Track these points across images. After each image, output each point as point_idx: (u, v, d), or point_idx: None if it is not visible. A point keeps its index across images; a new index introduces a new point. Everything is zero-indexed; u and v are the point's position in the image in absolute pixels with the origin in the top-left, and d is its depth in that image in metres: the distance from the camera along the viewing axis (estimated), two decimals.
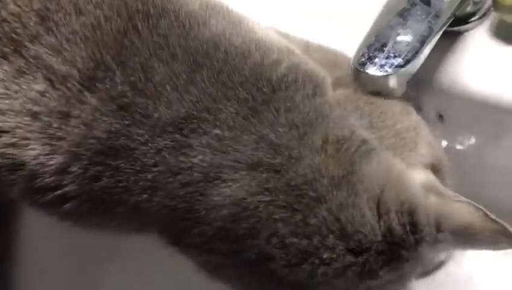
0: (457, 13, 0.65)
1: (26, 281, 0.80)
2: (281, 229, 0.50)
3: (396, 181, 0.53)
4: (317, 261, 0.50)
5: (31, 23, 0.55)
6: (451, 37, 0.71)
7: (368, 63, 0.58)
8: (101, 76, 0.53)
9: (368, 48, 0.59)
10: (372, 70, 0.58)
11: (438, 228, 0.52)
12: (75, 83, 0.53)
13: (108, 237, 0.64)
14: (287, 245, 0.50)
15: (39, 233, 0.81)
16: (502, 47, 0.71)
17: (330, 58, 0.63)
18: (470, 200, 0.53)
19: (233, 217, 0.51)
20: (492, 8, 0.70)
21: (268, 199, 0.50)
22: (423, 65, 0.64)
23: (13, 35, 0.55)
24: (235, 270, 0.54)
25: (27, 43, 0.54)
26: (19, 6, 0.55)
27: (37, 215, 0.77)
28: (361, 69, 0.58)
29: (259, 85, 0.53)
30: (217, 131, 0.51)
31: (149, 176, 0.52)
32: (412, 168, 0.55)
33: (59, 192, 0.54)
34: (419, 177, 0.54)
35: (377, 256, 0.51)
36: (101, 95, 0.53)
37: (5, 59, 0.55)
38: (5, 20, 0.55)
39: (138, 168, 0.52)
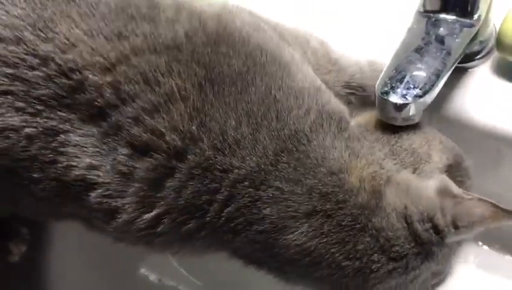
0: (466, 51, 0.73)
1: None
2: (337, 257, 0.61)
3: (415, 195, 0.63)
4: (368, 271, 0.62)
5: (107, 94, 0.60)
6: (458, 72, 0.79)
7: (391, 92, 0.66)
8: (189, 145, 0.59)
9: (390, 79, 0.67)
10: (394, 98, 0.65)
11: (455, 226, 0.62)
12: (161, 153, 0.60)
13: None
14: (343, 267, 0.62)
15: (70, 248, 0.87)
16: (502, 83, 0.79)
17: (332, 57, 0.74)
18: (480, 196, 0.63)
19: (298, 254, 0.62)
20: (495, 48, 0.79)
21: (324, 240, 0.61)
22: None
23: (95, 103, 0.61)
24: (308, 282, 0.65)
25: (108, 110, 0.61)
26: (96, 78, 0.61)
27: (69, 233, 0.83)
28: (385, 98, 0.65)
29: (298, 137, 0.62)
30: (277, 183, 0.60)
31: (231, 225, 0.61)
32: (428, 177, 0.65)
33: (151, 231, 0.62)
34: (434, 184, 0.64)
35: (415, 257, 0.63)
36: (189, 163, 0.60)
37: (94, 121, 0.61)
38: (86, 90, 0.61)
39: (222, 221, 0.61)
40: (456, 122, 0.78)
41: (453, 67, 0.70)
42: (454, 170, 0.68)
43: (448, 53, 0.69)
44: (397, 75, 0.67)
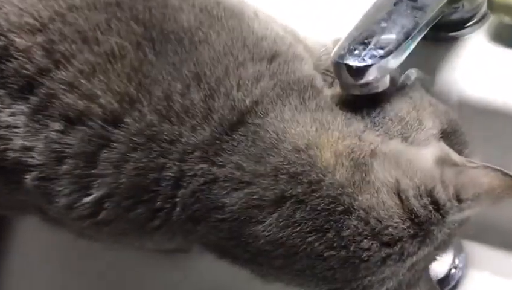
0: (446, 11, 0.64)
1: None
2: (318, 247, 0.52)
3: (408, 166, 0.54)
4: (357, 261, 0.53)
5: (38, 58, 0.54)
6: (450, 42, 0.71)
7: (348, 54, 0.56)
8: (127, 108, 0.53)
9: (349, 42, 0.58)
10: (351, 61, 0.56)
11: (459, 199, 0.53)
12: (96, 119, 0.53)
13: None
14: (326, 257, 0.53)
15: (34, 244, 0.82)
16: (500, 50, 0.70)
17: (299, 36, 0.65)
18: (485, 163, 0.54)
19: (269, 245, 0.53)
20: (489, 12, 0.70)
21: (297, 229, 0.52)
22: (422, 70, 0.63)
23: (24, 71, 0.54)
24: (288, 276, 0.56)
25: (38, 78, 0.54)
26: (25, 41, 0.55)
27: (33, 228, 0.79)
28: (341, 61, 0.56)
29: (257, 109, 0.54)
30: (236, 158, 0.53)
31: (188, 213, 0.54)
32: (422, 145, 0.56)
33: (94, 219, 0.56)
34: (431, 152, 0.55)
35: (412, 240, 0.53)
36: (129, 129, 0.53)
37: (23, 96, 0.55)
38: (12, 57, 0.55)
39: (176, 209, 0.54)
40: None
41: (429, 28, 0.61)
42: (450, 137, 0.59)
43: (421, 9, 0.60)
44: (358, 37, 0.58)
